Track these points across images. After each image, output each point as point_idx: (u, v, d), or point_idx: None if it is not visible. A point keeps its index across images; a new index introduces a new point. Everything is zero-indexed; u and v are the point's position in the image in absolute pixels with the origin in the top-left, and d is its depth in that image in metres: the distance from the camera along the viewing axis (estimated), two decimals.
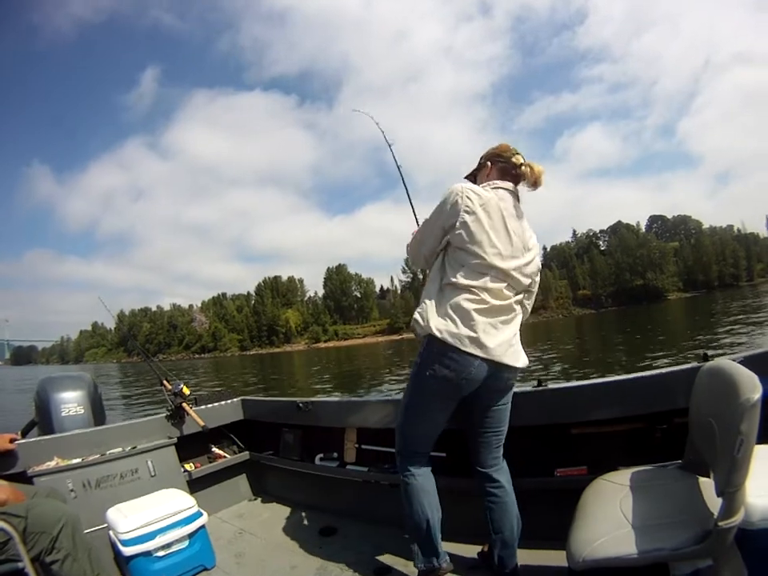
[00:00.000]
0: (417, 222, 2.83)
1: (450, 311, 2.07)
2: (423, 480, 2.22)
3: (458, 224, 2.10)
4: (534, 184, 2.28)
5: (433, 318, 2.08)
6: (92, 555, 2.12)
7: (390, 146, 3.29)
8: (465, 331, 2.04)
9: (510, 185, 2.27)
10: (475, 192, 2.16)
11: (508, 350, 2.13)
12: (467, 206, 2.11)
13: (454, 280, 2.10)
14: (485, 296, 2.09)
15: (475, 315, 2.06)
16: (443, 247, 2.21)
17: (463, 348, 2.03)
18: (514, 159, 2.29)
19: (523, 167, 2.28)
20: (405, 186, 3.20)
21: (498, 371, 2.12)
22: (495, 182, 2.27)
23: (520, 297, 2.23)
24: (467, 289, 2.08)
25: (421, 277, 2.66)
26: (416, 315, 2.15)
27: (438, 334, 2.04)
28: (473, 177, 2.43)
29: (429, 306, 2.12)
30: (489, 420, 2.27)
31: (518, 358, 2.18)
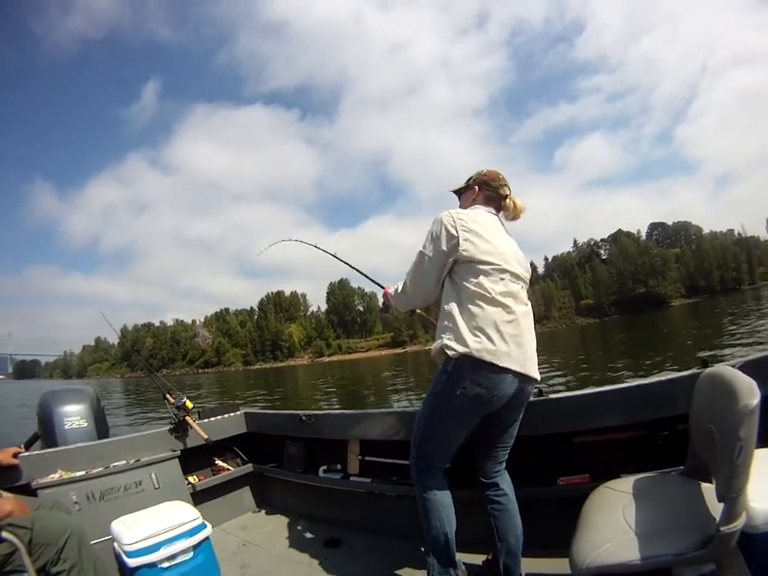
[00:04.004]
0: (374, 281, 2.95)
1: (483, 326, 2.04)
2: (442, 495, 2.21)
3: (461, 241, 2.12)
4: (514, 218, 2.38)
5: (467, 337, 2.04)
6: (98, 566, 2.13)
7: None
8: (502, 346, 2.03)
9: (493, 210, 2.35)
10: (464, 213, 2.24)
11: (533, 362, 2.16)
12: (463, 225, 2.15)
13: (477, 290, 2.08)
14: (511, 304, 2.10)
15: (508, 327, 2.06)
16: (449, 270, 2.19)
17: (500, 364, 2.02)
18: (501, 190, 2.37)
19: (508, 200, 2.36)
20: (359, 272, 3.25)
21: (525, 385, 2.14)
22: (479, 206, 2.34)
23: (530, 303, 2.25)
24: (493, 299, 2.07)
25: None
26: (446, 341, 2.09)
27: (474, 353, 2.01)
28: (457, 193, 2.51)
29: (457, 326, 2.08)
30: (502, 435, 2.29)
31: (537, 371, 2.19)
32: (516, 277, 2.18)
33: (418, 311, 2.61)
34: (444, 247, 2.15)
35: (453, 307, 2.13)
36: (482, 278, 2.10)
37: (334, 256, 3.33)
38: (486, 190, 2.37)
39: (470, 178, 2.46)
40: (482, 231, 2.17)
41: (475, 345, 2.02)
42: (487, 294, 2.07)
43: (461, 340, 2.05)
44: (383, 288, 2.72)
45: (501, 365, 2.02)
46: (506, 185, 2.38)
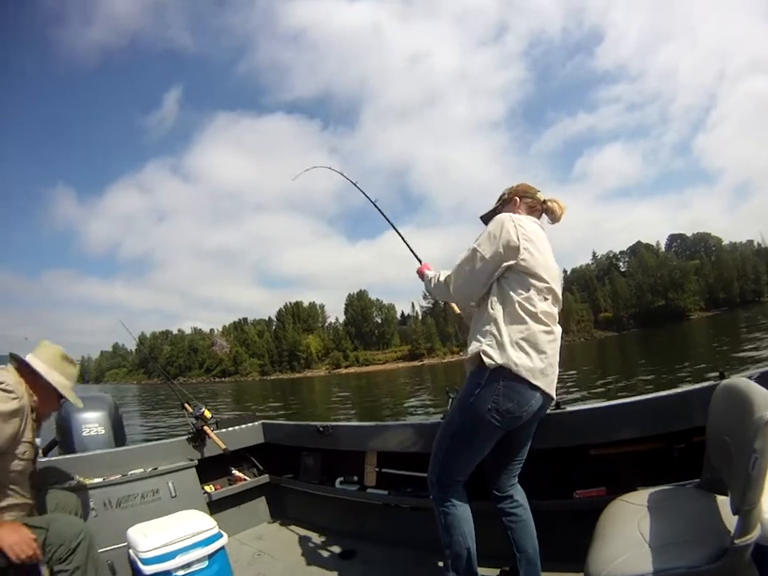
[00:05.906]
0: (412, 251, 2.85)
1: (525, 342, 2.03)
2: (463, 510, 2.19)
3: (521, 249, 2.08)
4: (558, 220, 2.35)
5: (510, 350, 2.01)
6: (100, 573, 2.16)
7: (363, 192, 3.39)
8: (538, 365, 2.03)
9: (538, 221, 2.32)
10: (524, 220, 2.20)
11: (555, 382, 2.16)
12: (524, 234, 2.11)
13: (525, 304, 2.06)
14: (551, 324, 2.10)
15: (547, 347, 2.06)
16: (500, 275, 2.15)
17: (534, 382, 2.02)
18: (538, 196, 2.36)
19: (549, 203, 2.35)
20: (386, 218, 3.23)
21: (546, 402, 2.14)
22: (527, 216, 2.30)
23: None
24: (537, 315, 2.06)
25: (442, 304, 2.58)
26: (485, 346, 2.05)
27: (513, 367, 1.99)
28: (487, 218, 2.41)
29: (501, 336, 2.04)
30: (518, 450, 2.28)
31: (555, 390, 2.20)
32: (556, 299, 2.18)
33: (456, 309, 2.60)
34: (502, 251, 2.10)
35: (498, 314, 2.08)
36: (532, 293, 2.08)
37: (365, 194, 3.42)
38: (526, 199, 2.36)
39: (504, 193, 2.43)
40: (538, 244, 2.15)
41: (516, 359, 2.00)
42: (533, 310, 2.06)
43: (502, 351, 2.02)
44: (420, 262, 2.67)
45: (534, 383, 2.02)
46: (539, 191, 2.38)
